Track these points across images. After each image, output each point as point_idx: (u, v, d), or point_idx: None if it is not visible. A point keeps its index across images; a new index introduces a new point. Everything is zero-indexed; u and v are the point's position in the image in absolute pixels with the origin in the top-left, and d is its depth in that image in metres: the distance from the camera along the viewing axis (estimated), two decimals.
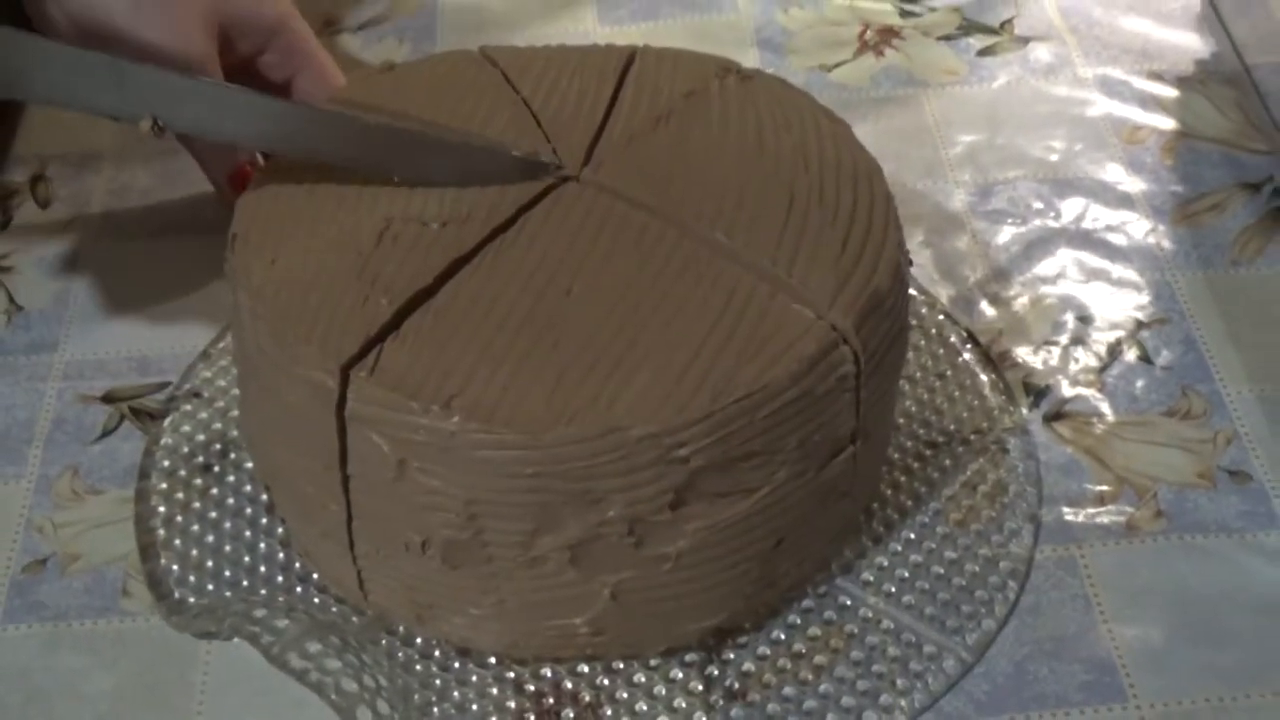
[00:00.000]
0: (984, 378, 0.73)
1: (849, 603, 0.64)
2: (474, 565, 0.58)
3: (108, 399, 0.74)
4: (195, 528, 0.67)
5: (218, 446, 0.70)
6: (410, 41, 0.95)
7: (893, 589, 0.64)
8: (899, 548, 0.66)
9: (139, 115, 0.64)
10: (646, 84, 0.68)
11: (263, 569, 0.66)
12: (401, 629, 0.63)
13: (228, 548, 0.67)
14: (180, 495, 0.69)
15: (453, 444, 0.55)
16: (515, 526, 0.57)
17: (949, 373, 0.73)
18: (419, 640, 0.63)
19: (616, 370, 0.56)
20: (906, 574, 0.65)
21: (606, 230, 0.61)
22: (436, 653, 0.63)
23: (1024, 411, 0.72)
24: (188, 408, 0.72)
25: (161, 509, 0.68)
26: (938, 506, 0.67)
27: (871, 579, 0.65)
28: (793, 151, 0.64)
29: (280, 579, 0.65)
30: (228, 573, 0.66)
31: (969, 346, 0.74)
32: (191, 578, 0.65)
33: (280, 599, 0.64)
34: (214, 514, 0.68)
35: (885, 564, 0.65)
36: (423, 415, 0.55)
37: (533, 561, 0.57)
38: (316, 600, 0.64)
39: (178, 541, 0.67)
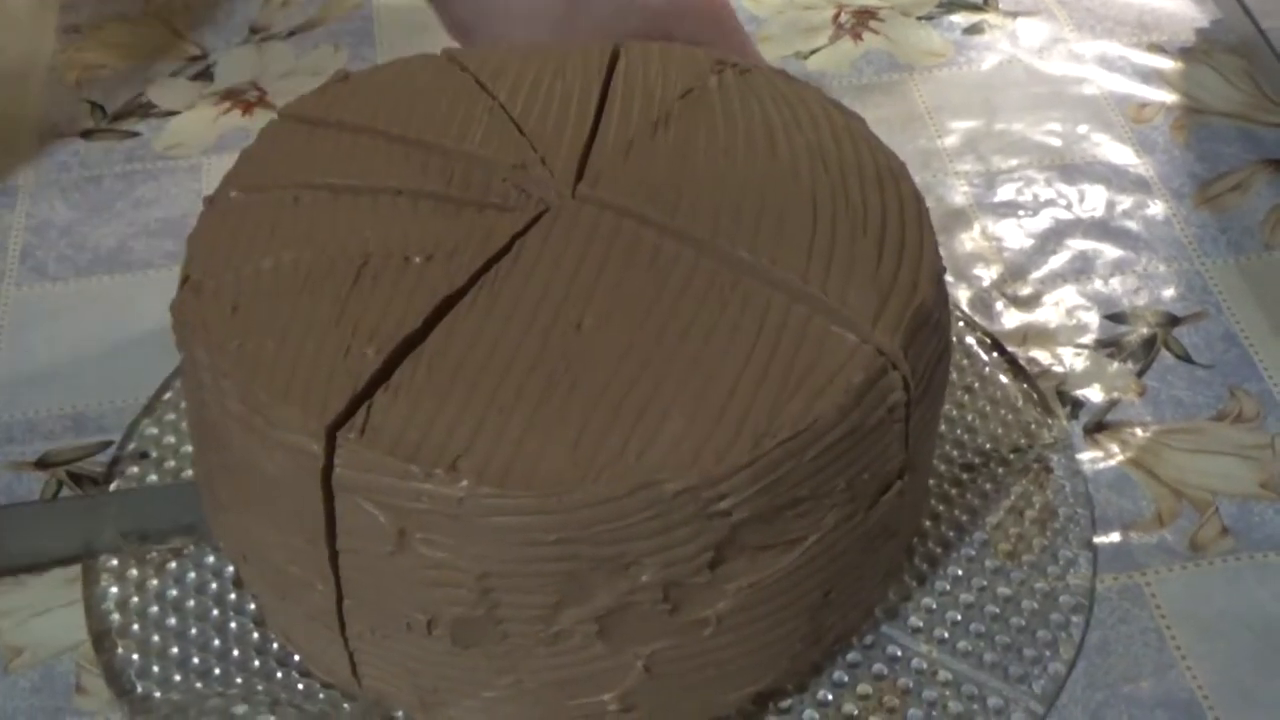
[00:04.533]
0: (1014, 388, 0.66)
1: (899, 653, 0.57)
2: (488, 644, 0.51)
3: (43, 464, 0.66)
4: (154, 609, 0.59)
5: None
6: (348, 47, 0.87)
7: (945, 634, 0.58)
8: (946, 586, 0.59)
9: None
10: (636, 84, 0.61)
11: (236, 653, 0.58)
12: (401, 715, 0.56)
13: (193, 630, 0.59)
14: (134, 572, 0.61)
15: (462, 511, 0.47)
16: (536, 599, 0.49)
17: (976, 385, 0.66)
18: None
19: (644, 415, 0.49)
20: (959, 616, 0.58)
21: (614, 253, 0.54)
22: None
23: (1063, 424, 0.65)
24: (134, 470, 0.64)
25: (114, 590, 0.60)
26: (983, 537, 0.61)
27: (921, 624, 0.58)
28: (808, 152, 0.58)
29: (257, 663, 0.58)
30: (196, 660, 0.58)
31: (994, 354, 0.68)
32: (155, 668, 0.58)
33: (259, 688, 0.57)
34: (174, 592, 0.60)
35: (934, 606, 0.59)
36: (425, 480, 0.47)
37: (556, 636, 0.50)
38: (301, 686, 0.57)
39: (136, 626, 0.59)
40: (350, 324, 0.51)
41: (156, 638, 0.59)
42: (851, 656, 0.57)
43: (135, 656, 0.58)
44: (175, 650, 0.58)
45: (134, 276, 0.74)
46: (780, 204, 0.55)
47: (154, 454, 0.65)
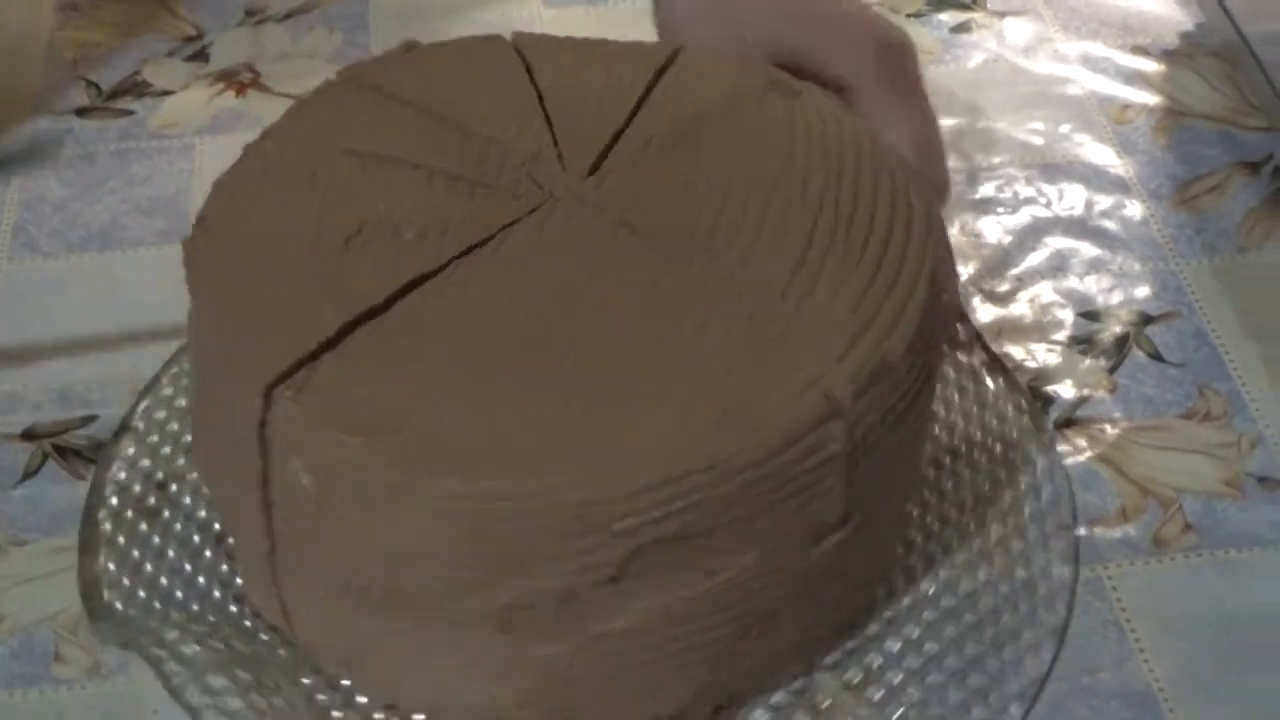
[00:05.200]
0: (995, 384, 0.66)
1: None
2: (396, 615, 0.51)
3: (28, 436, 0.67)
4: (144, 526, 0.61)
5: (165, 486, 0.63)
6: (342, 31, 0.88)
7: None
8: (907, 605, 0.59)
9: None
10: (680, 90, 0.60)
11: (201, 580, 0.60)
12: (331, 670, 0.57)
13: (171, 554, 0.61)
14: (122, 540, 0.61)
15: (375, 482, 0.48)
16: (439, 583, 0.50)
17: (961, 379, 0.67)
18: (345, 684, 0.56)
19: (570, 421, 0.48)
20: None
21: (596, 256, 0.54)
22: (361, 700, 0.56)
23: (1042, 419, 0.66)
24: (121, 445, 0.65)
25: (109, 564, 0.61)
26: (958, 532, 0.61)
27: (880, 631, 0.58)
28: (830, 184, 0.56)
29: (218, 594, 0.59)
30: (165, 580, 0.59)
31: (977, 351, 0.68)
32: (126, 580, 0.59)
33: (210, 619, 0.58)
34: (159, 539, 0.61)
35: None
36: (344, 447, 0.48)
37: (458, 622, 0.50)
38: (248, 624, 0.58)
39: (121, 539, 0.61)
40: (323, 287, 0.53)
41: (136, 553, 0.60)
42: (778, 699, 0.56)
43: (112, 566, 0.59)
44: (149, 569, 0.60)
45: (125, 254, 0.75)
46: (780, 230, 0.54)
47: (140, 427, 0.66)
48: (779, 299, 0.52)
